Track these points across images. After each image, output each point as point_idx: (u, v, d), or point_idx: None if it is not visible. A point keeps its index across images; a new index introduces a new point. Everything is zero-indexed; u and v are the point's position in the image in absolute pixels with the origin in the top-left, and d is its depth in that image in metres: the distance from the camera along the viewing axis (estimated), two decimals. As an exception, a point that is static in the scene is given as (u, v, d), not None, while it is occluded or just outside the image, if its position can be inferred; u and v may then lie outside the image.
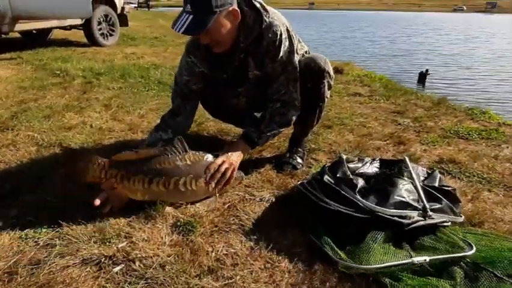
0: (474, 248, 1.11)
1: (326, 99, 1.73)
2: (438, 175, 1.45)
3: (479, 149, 2.09)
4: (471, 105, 3.17)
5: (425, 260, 1.07)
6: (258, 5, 1.47)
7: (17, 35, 5.63)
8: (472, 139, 2.25)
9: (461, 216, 1.32)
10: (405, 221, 1.19)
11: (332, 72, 1.68)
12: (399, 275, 1.04)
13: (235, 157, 1.51)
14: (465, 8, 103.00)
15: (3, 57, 4.44)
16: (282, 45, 1.50)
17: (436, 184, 1.39)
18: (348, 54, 10.44)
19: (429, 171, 1.50)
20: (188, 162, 1.41)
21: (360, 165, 1.51)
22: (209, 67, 1.58)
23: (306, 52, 1.73)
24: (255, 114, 1.88)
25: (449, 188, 1.37)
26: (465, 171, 1.80)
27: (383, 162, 1.54)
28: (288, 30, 1.53)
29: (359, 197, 1.25)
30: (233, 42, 1.48)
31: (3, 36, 4.56)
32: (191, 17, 1.32)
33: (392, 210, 1.20)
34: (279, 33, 1.48)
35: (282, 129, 1.67)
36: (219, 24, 1.36)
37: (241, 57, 1.53)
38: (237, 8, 1.39)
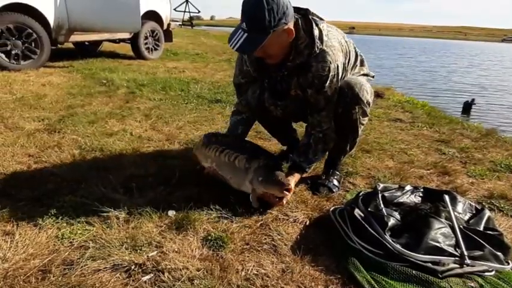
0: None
1: (361, 127, 1.67)
2: (487, 214, 1.34)
3: (533, 186, 1.93)
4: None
5: (473, 306, 0.97)
6: (316, 33, 1.42)
7: (71, 45, 6.02)
8: (525, 175, 2.08)
9: (508, 264, 1.19)
10: (439, 268, 1.10)
11: (369, 99, 1.59)
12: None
13: (293, 184, 1.57)
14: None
15: (56, 65, 4.74)
16: (328, 82, 1.48)
17: (481, 227, 1.28)
18: (391, 79, 10.21)
19: (478, 208, 1.39)
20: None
21: (399, 193, 1.43)
22: (254, 70, 1.63)
23: (365, 75, 1.73)
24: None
25: (495, 233, 1.25)
26: (518, 209, 1.65)
27: (427, 191, 1.45)
28: (338, 68, 1.49)
29: (387, 237, 1.17)
30: (284, 56, 1.48)
31: (58, 46, 4.87)
32: (246, 35, 1.34)
33: (423, 256, 1.12)
34: (327, 69, 1.45)
35: (322, 156, 1.71)
36: (272, 42, 1.37)
37: (285, 74, 1.54)
38: (292, 28, 1.38)
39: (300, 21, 1.44)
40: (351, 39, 1.65)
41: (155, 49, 6.24)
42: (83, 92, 3.38)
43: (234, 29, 1.41)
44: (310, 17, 1.46)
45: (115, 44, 6.29)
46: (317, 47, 1.43)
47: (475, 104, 6.40)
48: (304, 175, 1.69)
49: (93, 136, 2.21)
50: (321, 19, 1.48)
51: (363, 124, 1.66)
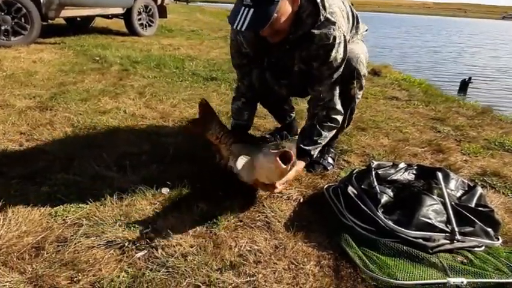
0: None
1: (357, 100, 1.63)
2: (479, 191, 1.34)
3: (526, 164, 1.94)
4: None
5: (462, 282, 0.99)
6: None
7: (62, 21, 5.85)
8: (518, 153, 2.09)
9: (498, 239, 1.21)
10: (430, 244, 1.12)
11: (364, 71, 1.55)
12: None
13: (293, 177, 1.44)
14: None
15: (48, 41, 4.62)
16: (334, 51, 1.39)
17: (473, 203, 1.28)
18: (388, 56, 10.08)
19: (471, 185, 1.39)
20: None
21: (393, 171, 1.43)
22: (254, 51, 1.52)
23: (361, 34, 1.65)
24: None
25: (486, 210, 1.26)
26: (511, 186, 1.66)
27: (420, 169, 1.45)
28: (344, 36, 1.41)
29: (380, 213, 1.18)
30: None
31: (49, 21, 4.73)
32: (251, 10, 1.20)
33: (414, 232, 1.13)
34: (332, 37, 1.36)
35: (330, 135, 1.60)
36: (279, 14, 1.25)
37: (286, 48, 1.44)
38: None
39: None
40: None
41: (150, 25, 6.09)
42: (75, 69, 3.31)
43: (232, 9, 1.28)
44: None
45: (108, 19, 6.13)
46: (322, 15, 1.33)
47: (471, 82, 6.36)
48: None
49: (86, 114, 2.18)
50: None
51: (358, 98, 1.63)
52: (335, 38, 1.37)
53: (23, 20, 4.13)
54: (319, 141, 1.55)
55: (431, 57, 11.24)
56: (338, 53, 1.40)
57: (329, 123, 1.55)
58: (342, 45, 1.41)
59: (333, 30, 1.36)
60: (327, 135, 1.57)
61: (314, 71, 1.45)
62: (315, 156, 1.59)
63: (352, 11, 1.58)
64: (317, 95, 1.51)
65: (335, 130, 1.61)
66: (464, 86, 6.31)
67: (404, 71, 5.27)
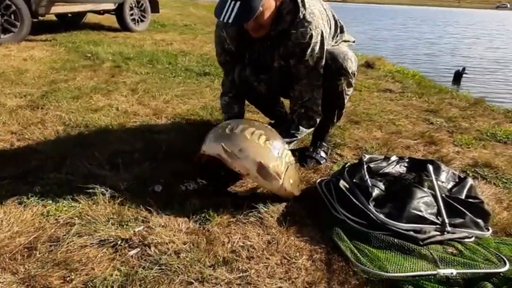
0: (507, 265, 1.03)
1: (346, 97, 1.65)
2: (470, 182, 1.35)
3: (518, 154, 1.96)
4: (511, 106, 2.96)
5: (452, 273, 1.00)
6: None
7: (53, 17, 5.78)
8: (510, 143, 2.11)
9: (488, 230, 1.22)
10: (421, 236, 1.13)
11: (353, 69, 1.56)
12: (424, 284, 0.98)
13: None
14: (509, 6, 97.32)
15: (39, 38, 4.57)
16: (310, 50, 1.42)
17: (463, 195, 1.30)
18: (383, 49, 10.06)
19: (461, 176, 1.41)
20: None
21: (385, 164, 1.43)
22: (236, 46, 1.56)
23: (346, 41, 1.67)
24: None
25: (476, 201, 1.27)
26: (502, 177, 1.68)
27: (412, 162, 1.46)
28: (322, 35, 1.43)
29: (371, 207, 1.19)
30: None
31: (40, 18, 4.67)
32: (238, 3, 1.24)
33: (405, 225, 1.14)
34: (308, 36, 1.40)
35: (309, 131, 1.66)
36: (265, 7, 1.30)
37: (267, 45, 1.48)
38: None
39: None
40: (328, 4, 1.60)
41: (142, 20, 6.03)
42: (67, 66, 3.28)
43: (218, 2, 1.31)
44: None
45: (100, 15, 6.07)
46: (301, 13, 1.37)
47: (466, 73, 6.38)
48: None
49: (77, 112, 2.16)
50: None
51: (348, 95, 1.64)
52: (311, 36, 1.40)
53: (12, 17, 4.09)
54: (296, 135, 1.60)
55: (428, 49, 11.23)
56: (314, 52, 1.44)
57: (307, 121, 1.59)
58: (318, 44, 1.44)
59: (310, 29, 1.40)
60: (305, 130, 1.61)
61: (292, 68, 1.49)
62: (290, 148, 1.57)
63: (336, 20, 1.62)
64: (297, 94, 1.55)
65: (313, 128, 1.65)
66: (458, 77, 6.34)
67: (400, 64, 5.28)
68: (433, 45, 12.57)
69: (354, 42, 1.71)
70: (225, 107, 1.75)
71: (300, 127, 1.59)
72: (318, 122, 1.63)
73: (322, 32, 1.44)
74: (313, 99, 1.54)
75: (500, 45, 14.19)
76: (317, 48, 1.44)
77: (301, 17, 1.38)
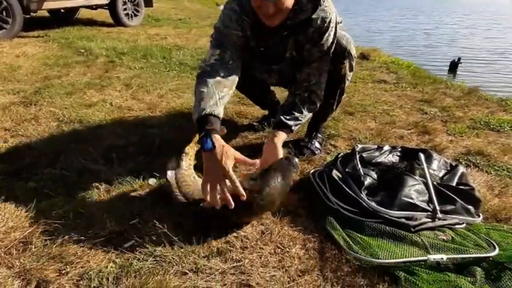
0: (497, 250, 1.05)
1: (347, 82, 1.65)
2: (461, 170, 1.37)
3: (511, 142, 1.97)
4: (506, 96, 2.97)
5: (442, 258, 1.01)
6: None
7: (46, 13, 5.72)
8: (503, 131, 2.12)
9: (478, 216, 1.24)
10: (412, 223, 1.14)
11: (354, 52, 1.58)
12: (415, 269, 0.99)
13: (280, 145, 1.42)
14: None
15: (31, 34, 4.53)
16: (327, 34, 1.42)
17: (454, 182, 1.31)
18: (379, 40, 10.02)
19: (453, 164, 1.42)
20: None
21: (377, 154, 1.44)
22: (253, 35, 1.46)
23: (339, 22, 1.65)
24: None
25: (467, 188, 1.29)
26: (494, 165, 1.70)
27: (404, 151, 1.47)
28: (336, 20, 1.44)
29: (363, 195, 1.20)
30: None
31: (32, 14, 4.63)
32: None
33: (397, 212, 1.16)
34: (327, 20, 1.40)
35: (310, 115, 1.60)
36: None
37: (283, 35, 1.44)
38: None
39: None
40: None
41: (135, 15, 5.98)
42: (60, 62, 3.26)
43: None
44: None
45: (93, 10, 6.01)
46: (322, 3, 1.37)
47: (461, 63, 6.39)
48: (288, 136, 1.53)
49: (71, 108, 2.16)
50: None
51: (348, 80, 1.65)
52: (330, 21, 1.41)
53: (4, 14, 4.05)
54: (300, 118, 1.53)
55: (425, 40, 11.18)
56: (329, 36, 1.44)
57: (309, 105, 1.54)
58: (333, 29, 1.44)
59: (329, 14, 1.40)
60: (307, 114, 1.56)
61: (305, 52, 1.47)
62: (293, 131, 1.54)
63: None
64: (305, 76, 1.50)
65: (312, 113, 1.60)
66: (453, 66, 6.34)
67: (396, 55, 5.26)
68: (430, 36, 12.52)
69: (341, 22, 1.69)
70: (205, 96, 1.34)
71: (303, 110, 1.53)
72: (317, 107, 1.58)
73: (336, 17, 1.45)
74: (319, 83, 1.52)
75: (499, 35, 14.16)
76: (332, 33, 1.45)
77: (322, 5, 1.38)
